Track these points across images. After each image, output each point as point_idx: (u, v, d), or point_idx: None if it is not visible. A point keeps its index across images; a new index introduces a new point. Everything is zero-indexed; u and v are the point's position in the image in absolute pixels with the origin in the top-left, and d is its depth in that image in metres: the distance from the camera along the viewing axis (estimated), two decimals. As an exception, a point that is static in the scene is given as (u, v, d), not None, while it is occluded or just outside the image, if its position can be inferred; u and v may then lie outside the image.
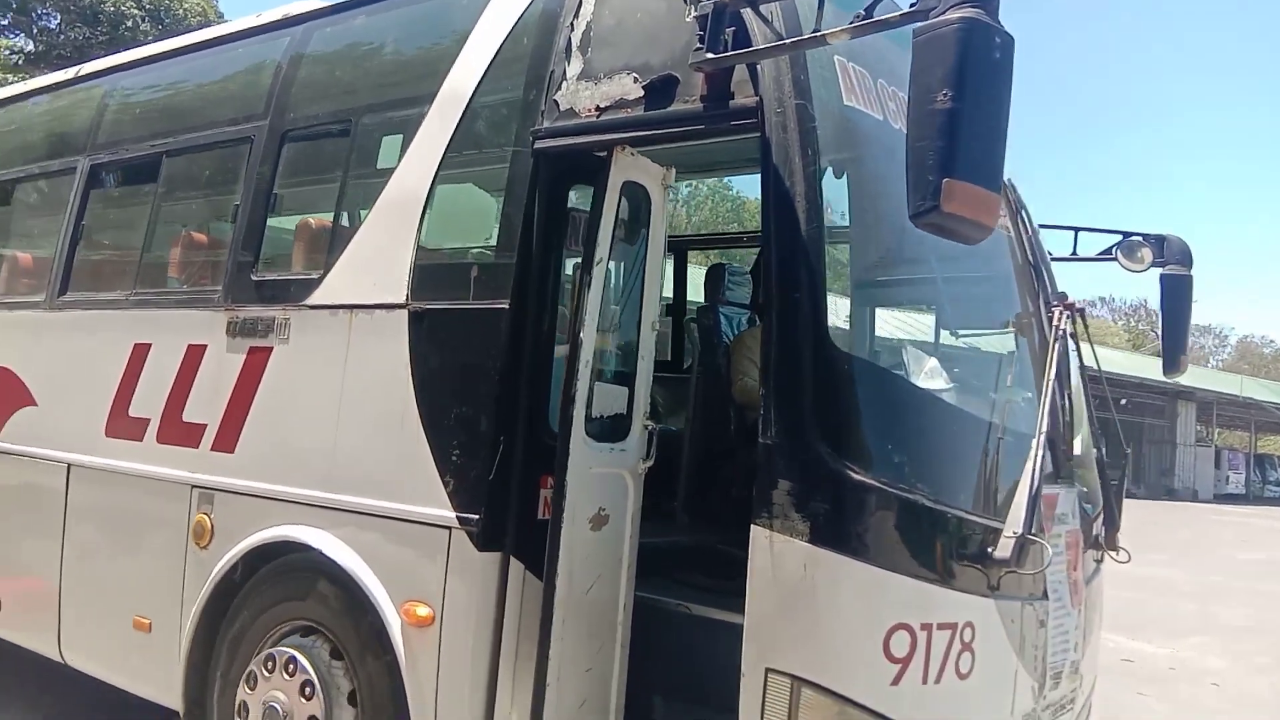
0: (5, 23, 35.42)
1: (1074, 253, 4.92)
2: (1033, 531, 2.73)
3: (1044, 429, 2.92)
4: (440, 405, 3.11)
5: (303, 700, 3.21)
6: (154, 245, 4.40)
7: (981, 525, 2.70)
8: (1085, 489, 3.53)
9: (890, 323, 3.34)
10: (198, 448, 3.74)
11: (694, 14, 2.74)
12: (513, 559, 2.98)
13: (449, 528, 3.00)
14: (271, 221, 3.83)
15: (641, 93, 2.92)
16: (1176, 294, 4.22)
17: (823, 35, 2.44)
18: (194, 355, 3.84)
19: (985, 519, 2.72)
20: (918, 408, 2.75)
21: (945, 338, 3.39)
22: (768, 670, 2.45)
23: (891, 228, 2.75)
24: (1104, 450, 3.83)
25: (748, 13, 2.72)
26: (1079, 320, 3.41)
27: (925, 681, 2.50)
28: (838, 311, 2.58)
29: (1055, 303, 3.29)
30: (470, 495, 2.99)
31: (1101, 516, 3.61)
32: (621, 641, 3.07)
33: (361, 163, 3.63)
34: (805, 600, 2.44)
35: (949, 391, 2.90)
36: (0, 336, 4.75)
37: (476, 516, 2.96)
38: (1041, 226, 4.03)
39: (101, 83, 4.93)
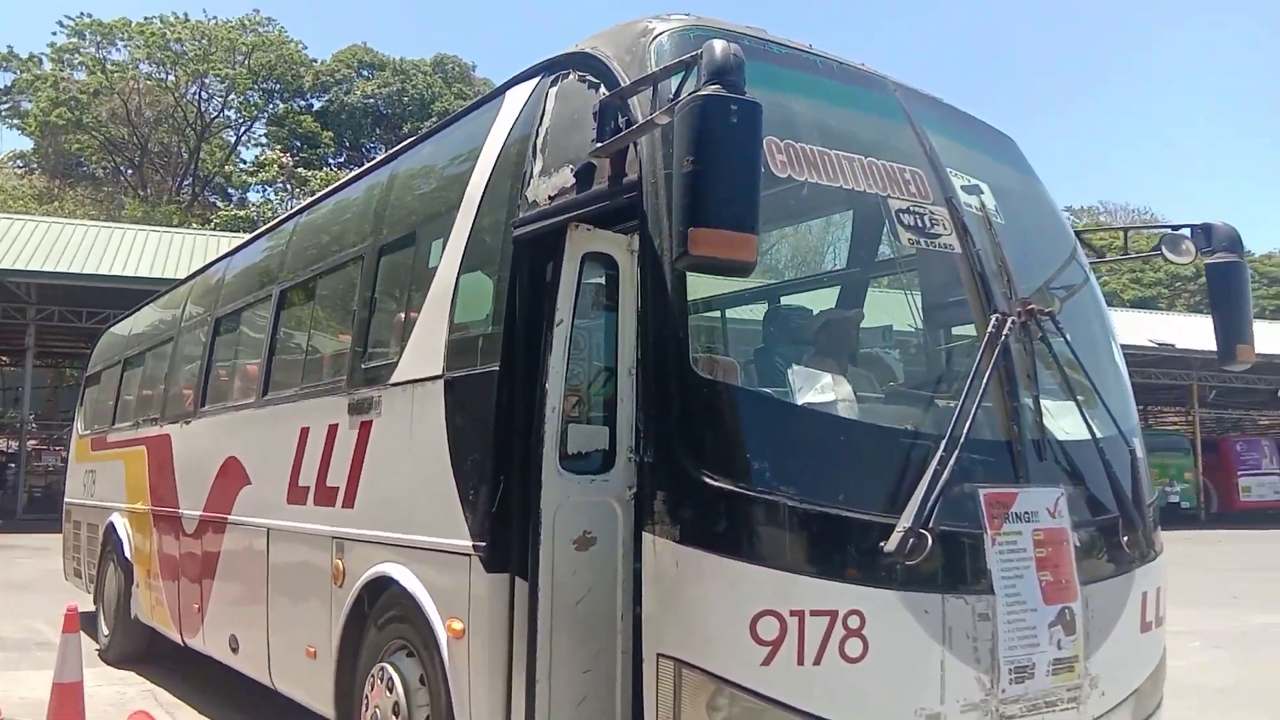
0: (341, 160, 41.94)
1: (1125, 251, 4.81)
2: (927, 526, 2.93)
3: (960, 433, 3.09)
4: (461, 454, 3.81)
5: (387, 692, 4.00)
6: (314, 347, 5.54)
7: (867, 521, 2.94)
8: (1088, 490, 3.55)
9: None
10: (335, 506, 4.69)
11: (594, 111, 3.32)
12: (517, 579, 3.57)
13: (469, 555, 3.66)
14: (375, 319, 4.78)
15: (574, 180, 3.51)
16: (1225, 282, 4.10)
17: (648, 121, 2.93)
18: (332, 432, 4.82)
19: (872, 515, 2.95)
20: (780, 423, 3.04)
21: (866, 347, 3.62)
22: (658, 655, 2.86)
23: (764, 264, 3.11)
24: (1134, 455, 3.76)
25: (633, 102, 3.25)
26: (1035, 325, 3.49)
27: (802, 663, 2.78)
28: (699, 344, 2.99)
29: (996, 310, 3.42)
30: (481, 526, 3.64)
31: (1121, 519, 3.59)
32: (623, 648, 3.53)
33: (421, 263, 4.47)
34: (679, 593, 2.84)
35: (839, 403, 3.15)
36: (231, 431, 6.11)
37: (485, 544, 3.60)
38: (1093, 229, 4.12)
39: (289, 224, 6.26)
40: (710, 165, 2.51)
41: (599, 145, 3.26)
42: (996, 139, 4.44)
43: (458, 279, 4.08)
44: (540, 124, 3.79)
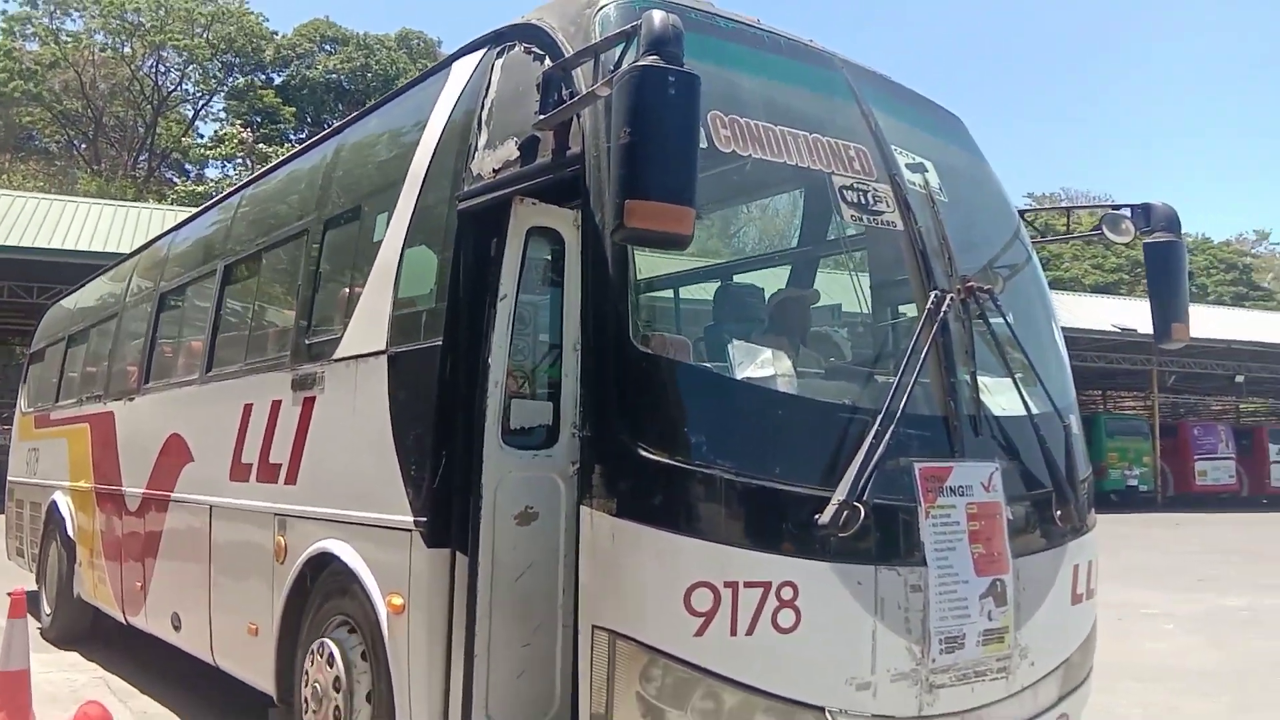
0: (303, 136, 41.35)
1: (1068, 230, 4.89)
2: (861, 499, 2.96)
3: (896, 408, 3.13)
4: (404, 429, 3.78)
5: (327, 666, 3.99)
6: (259, 323, 5.46)
7: (801, 494, 2.96)
8: (1023, 465, 3.60)
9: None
10: (277, 483, 4.63)
11: (537, 83, 3.30)
12: (458, 554, 3.55)
13: (410, 530, 3.64)
14: (320, 294, 4.72)
15: (519, 153, 3.48)
16: (1163, 261, 4.18)
17: (590, 93, 2.92)
18: (275, 408, 4.76)
19: (807, 489, 2.98)
20: (717, 397, 3.06)
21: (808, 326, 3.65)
22: (594, 627, 2.87)
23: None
24: (1069, 432, 3.82)
25: (576, 74, 3.23)
26: (975, 303, 3.53)
27: (735, 633, 2.81)
28: (639, 320, 2.98)
29: (936, 287, 3.45)
30: (422, 502, 3.61)
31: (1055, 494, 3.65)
32: (564, 622, 3.54)
33: (366, 237, 4.42)
34: (614, 565, 2.85)
35: (779, 379, 3.16)
36: (174, 408, 6.02)
37: (426, 519, 3.58)
38: (1036, 210, 4.16)
39: (235, 197, 6.16)
40: (647, 137, 2.50)
41: (542, 118, 3.23)
42: (944, 118, 4.47)
43: (402, 253, 4.03)
44: (486, 96, 3.75)
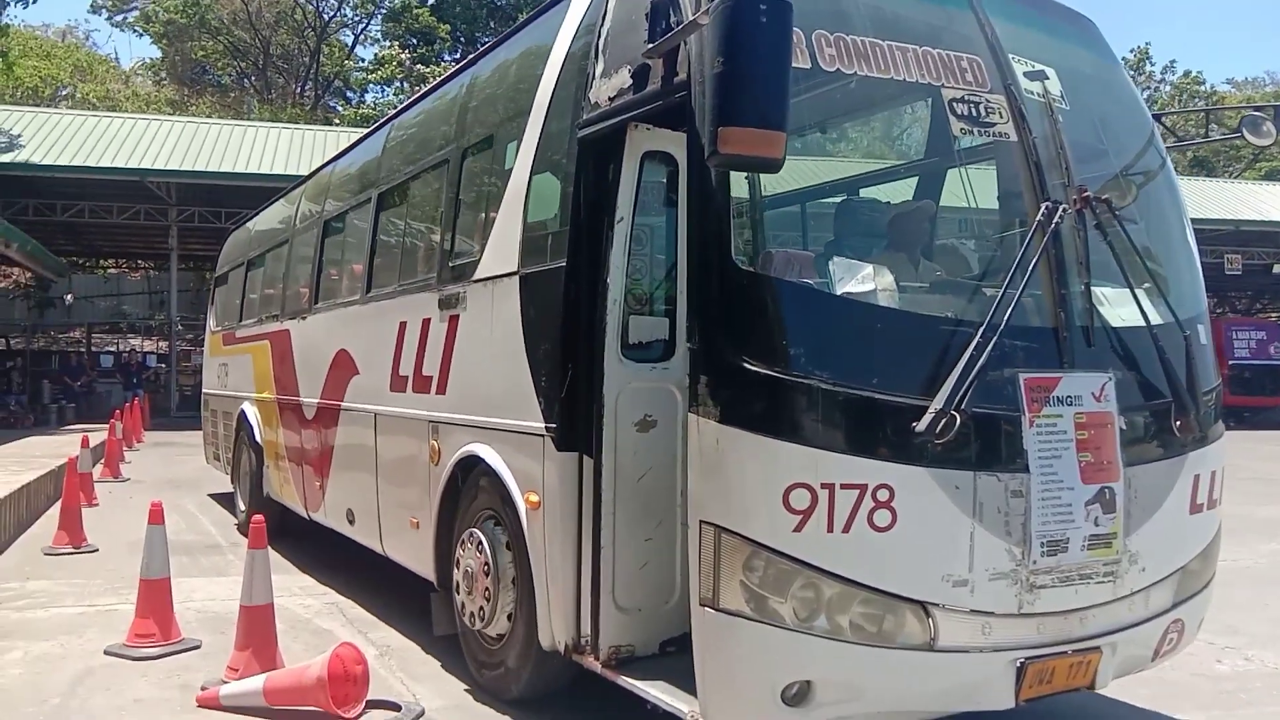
0: (457, 56, 42.19)
1: (1206, 134, 4.67)
2: (959, 408, 3.08)
3: (1000, 320, 3.19)
4: (534, 344, 4.11)
5: (477, 554, 4.45)
6: (410, 247, 5.90)
7: (899, 403, 3.10)
8: (1140, 375, 3.61)
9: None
10: (430, 393, 5.09)
11: (647, 12, 3.46)
12: (584, 457, 3.88)
13: (542, 436, 3.99)
14: (460, 219, 5.07)
15: (631, 80, 3.66)
16: None
17: (692, 22, 3.05)
18: (425, 325, 5.19)
19: (905, 398, 3.11)
20: (815, 312, 3.18)
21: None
22: (700, 522, 3.13)
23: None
24: (1191, 342, 3.77)
25: (682, 2, 3.36)
26: (1091, 213, 3.52)
27: (831, 530, 3.01)
28: (740, 238, 3.15)
29: (1049, 199, 3.45)
30: (552, 410, 3.95)
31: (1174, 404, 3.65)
32: (682, 520, 3.82)
33: (499, 165, 4.71)
34: (719, 467, 3.09)
35: (879, 293, 3.27)
36: (341, 326, 6.60)
37: (556, 425, 3.92)
38: (1173, 113, 4.06)
39: (384, 130, 6.58)
40: (739, 65, 2.65)
41: (650, 46, 3.40)
42: (1072, 22, 4.34)
43: (530, 179, 4.31)
44: (602, 25, 3.93)
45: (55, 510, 9.04)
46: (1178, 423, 3.64)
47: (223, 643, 5.12)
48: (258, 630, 4.62)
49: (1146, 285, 3.74)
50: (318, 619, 5.99)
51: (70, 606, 6.18)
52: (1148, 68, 43.79)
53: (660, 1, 3.40)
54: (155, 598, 5.23)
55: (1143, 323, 3.63)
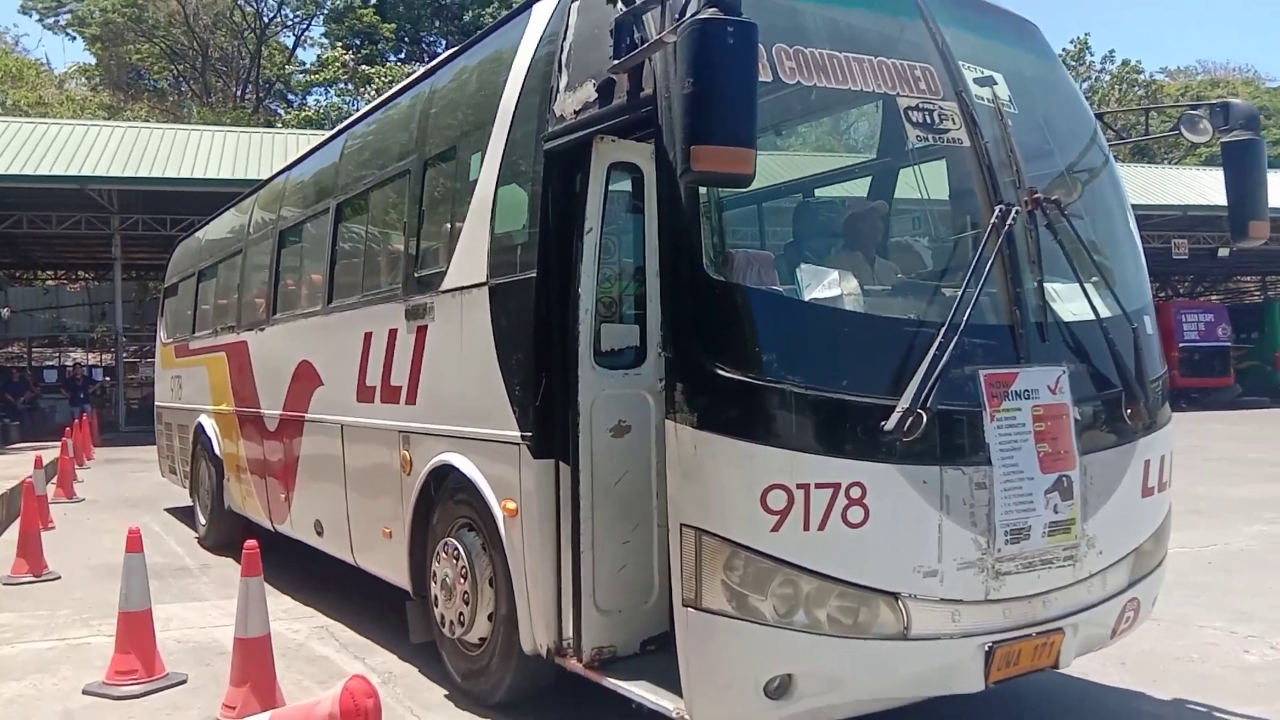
0: (401, 57, 41.83)
1: (1146, 132, 4.87)
2: (925, 406, 3.21)
3: (960, 320, 3.32)
4: (507, 354, 4.17)
5: (454, 562, 4.50)
6: (372, 258, 5.91)
7: (868, 404, 3.22)
8: (1092, 367, 3.76)
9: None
10: (399, 403, 5.11)
11: (611, 28, 3.53)
12: (560, 463, 3.95)
13: (518, 444, 4.06)
14: (424, 230, 5.11)
15: (596, 94, 3.73)
16: (1241, 159, 4.19)
17: (658, 40, 3.14)
18: (392, 336, 5.22)
19: (873, 398, 3.23)
20: (786, 318, 3.28)
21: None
22: (681, 525, 3.22)
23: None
24: (1140, 333, 3.93)
25: (646, 19, 3.44)
26: (1042, 213, 3.67)
27: (808, 528, 3.12)
28: (709, 247, 3.23)
29: (1001, 201, 3.59)
30: (527, 419, 4.01)
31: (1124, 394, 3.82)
32: (659, 522, 3.92)
33: (463, 176, 4.75)
34: (697, 471, 3.18)
35: (845, 298, 3.38)
36: (302, 336, 6.58)
37: (531, 434, 3.99)
38: (1116, 111, 4.22)
39: (340, 139, 6.57)
40: (709, 86, 2.74)
41: (616, 62, 3.47)
42: (1016, 27, 4.49)
43: (496, 191, 4.37)
44: (564, 40, 3.99)
45: (11, 535, 8.71)
46: (1128, 411, 3.81)
47: (210, 675, 4.99)
48: (256, 664, 4.29)
49: (1095, 280, 3.91)
50: (310, 645, 5.69)
51: (39, 641, 5.85)
52: (1088, 58, 44.61)
53: (625, 18, 3.48)
54: (136, 631, 4.88)
55: (1093, 316, 3.79)
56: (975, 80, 3.91)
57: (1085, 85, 42.14)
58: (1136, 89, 43.40)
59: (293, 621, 6.15)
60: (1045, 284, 3.69)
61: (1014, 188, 3.71)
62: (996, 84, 3.97)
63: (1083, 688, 4.74)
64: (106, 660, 4.98)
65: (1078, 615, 3.66)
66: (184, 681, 4.96)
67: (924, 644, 3.32)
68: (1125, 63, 45.36)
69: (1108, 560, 3.75)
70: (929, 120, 3.72)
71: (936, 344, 3.28)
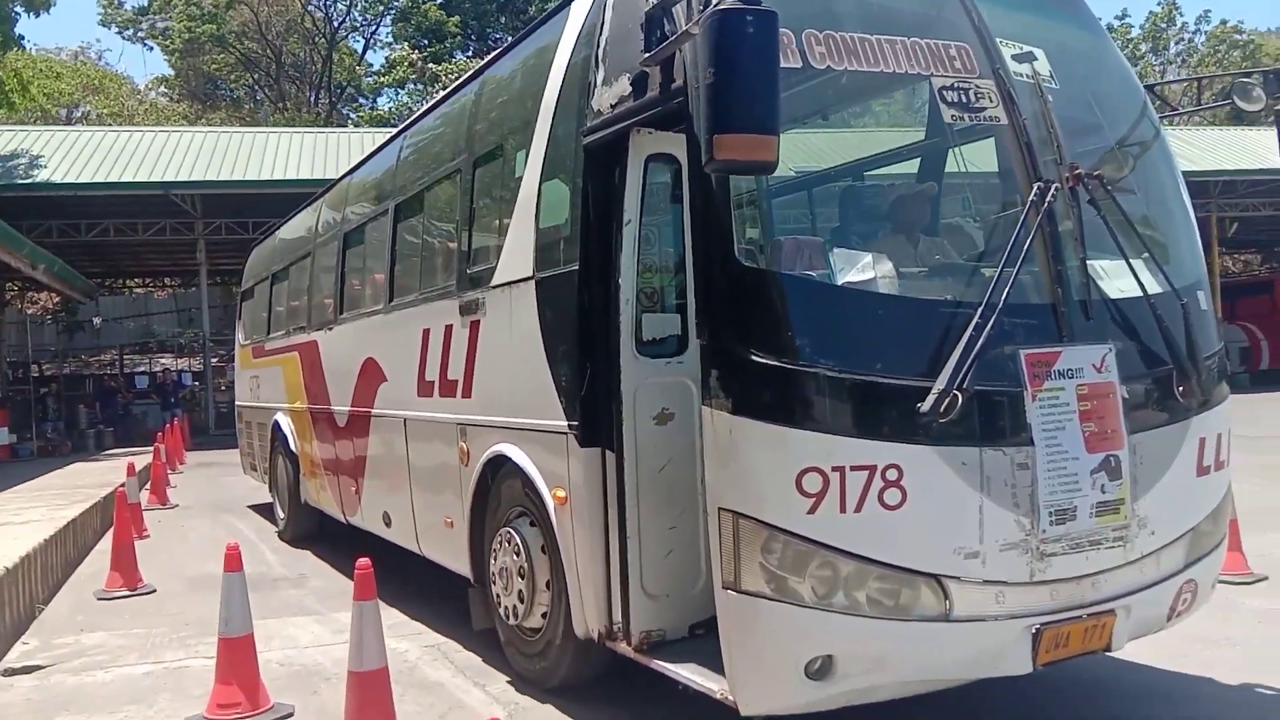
0: (469, 54, 42.33)
1: (1197, 102, 4.73)
2: (961, 387, 3.20)
3: (998, 299, 3.30)
4: (553, 346, 4.27)
5: (513, 553, 4.62)
6: (429, 256, 6.08)
7: (904, 386, 3.22)
8: (1141, 344, 3.70)
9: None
10: (456, 397, 5.26)
11: (642, 22, 3.59)
12: (606, 451, 4.04)
13: (565, 434, 4.15)
14: (476, 227, 5.24)
15: (631, 88, 3.80)
16: None
17: (684, 32, 3.19)
18: (448, 331, 5.36)
19: (909, 380, 3.23)
20: (819, 303, 3.30)
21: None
22: (719, 509, 3.28)
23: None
24: (1191, 308, 3.84)
25: (675, 11, 3.49)
26: (1084, 189, 3.61)
27: (844, 510, 3.14)
28: (741, 235, 3.28)
29: (1041, 179, 3.55)
30: (574, 408, 4.11)
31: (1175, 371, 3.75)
32: (704, 507, 3.96)
33: (509, 173, 4.86)
34: (733, 456, 3.23)
35: (879, 281, 3.39)
36: (367, 335, 6.79)
37: (578, 423, 4.08)
38: (1163, 82, 4.14)
39: (397, 141, 6.76)
40: (729, 74, 2.78)
41: (647, 55, 3.53)
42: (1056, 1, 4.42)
43: (540, 187, 4.47)
44: (600, 35, 4.06)
45: (105, 545, 8.53)
46: (1180, 388, 3.74)
47: (318, 706, 4.59)
48: (372, 701, 3.89)
49: (1143, 255, 3.83)
50: (422, 668, 5.17)
51: (134, 665, 5.45)
52: (1179, 20, 42.64)
53: (654, 12, 3.53)
54: (238, 659, 4.41)
55: (1140, 293, 3.72)
56: (1014, 57, 3.86)
57: (1178, 49, 40.13)
58: (1235, 51, 41.14)
59: (400, 640, 5.57)
60: (1089, 261, 3.64)
61: (1055, 165, 3.66)
62: (1036, 60, 3.92)
63: (1135, 671, 4.66)
64: (206, 688, 4.58)
65: (1130, 597, 3.60)
66: (290, 715, 4.50)
67: (968, 625, 3.32)
68: (1224, 22, 43.08)
69: (1161, 541, 3.68)
70: (965, 100, 3.69)
71: (973, 325, 3.27)
